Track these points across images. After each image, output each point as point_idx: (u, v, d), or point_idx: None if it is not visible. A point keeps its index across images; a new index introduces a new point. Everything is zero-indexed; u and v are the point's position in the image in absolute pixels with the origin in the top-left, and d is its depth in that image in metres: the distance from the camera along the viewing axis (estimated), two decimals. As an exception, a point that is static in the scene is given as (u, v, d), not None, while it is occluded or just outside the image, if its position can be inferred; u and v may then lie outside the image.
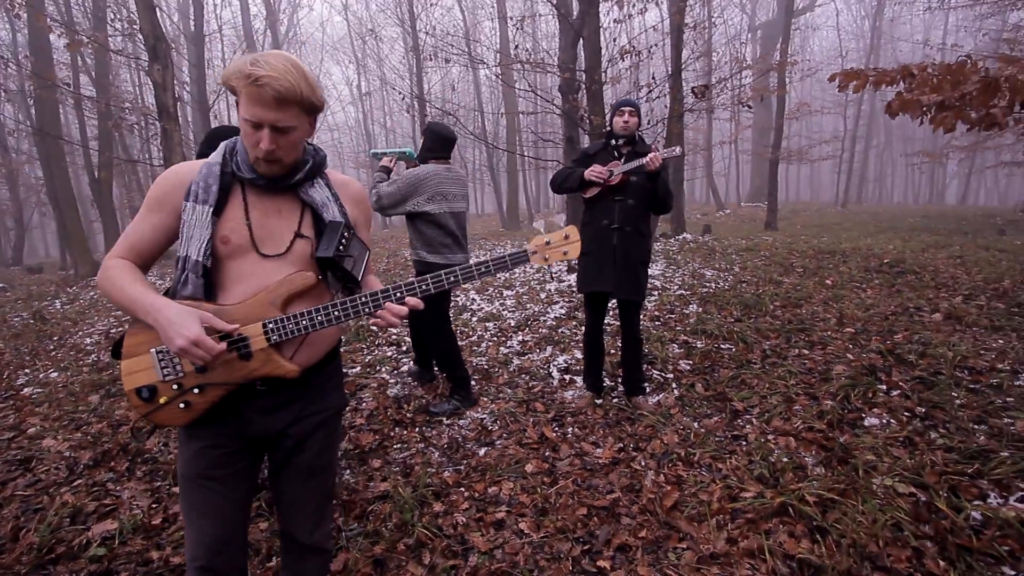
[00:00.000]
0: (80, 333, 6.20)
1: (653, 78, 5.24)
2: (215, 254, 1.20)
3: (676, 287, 5.90)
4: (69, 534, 2.24)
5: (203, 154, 2.20)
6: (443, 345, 3.27)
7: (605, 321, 3.72)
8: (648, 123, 5.76)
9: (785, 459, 2.47)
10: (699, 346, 4.06)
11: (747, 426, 2.89)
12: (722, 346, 4.05)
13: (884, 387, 3.11)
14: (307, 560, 1.40)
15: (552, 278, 6.69)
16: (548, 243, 1.31)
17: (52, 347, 5.70)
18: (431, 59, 7.42)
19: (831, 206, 22.21)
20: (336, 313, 1.22)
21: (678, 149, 2.96)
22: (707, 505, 2.21)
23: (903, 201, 33.89)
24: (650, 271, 6.64)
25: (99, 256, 12.09)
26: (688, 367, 3.73)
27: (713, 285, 5.88)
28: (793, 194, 37.59)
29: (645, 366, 3.69)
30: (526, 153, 15.19)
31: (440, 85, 18.50)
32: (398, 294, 1.24)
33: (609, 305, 3.39)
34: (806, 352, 3.79)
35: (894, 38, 23.67)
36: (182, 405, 1.21)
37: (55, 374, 4.68)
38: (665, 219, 10.07)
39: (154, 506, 2.44)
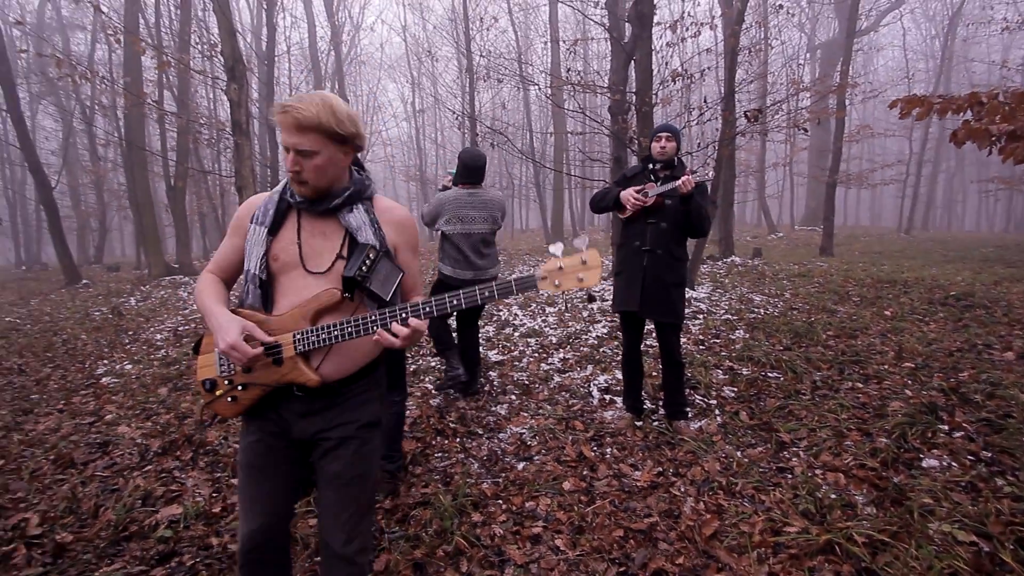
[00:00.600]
0: (152, 329, 6.69)
1: (705, 101, 5.21)
2: (269, 269, 1.38)
3: (722, 311, 5.78)
4: (140, 515, 2.44)
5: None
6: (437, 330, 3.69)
7: (646, 343, 3.72)
8: (698, 145, 5.73)
9: (833, 496, 2.38)
10: (745, 373, 3.97)
11: (793, 459, 2.80)
12: (769, 374, 3.94)
13: (946, 427, 2.95)
14: (337, 570, 1.42)
15: (585, 301, 6.70)
16: (561, 268, 1.26)
17: (127, 341, 6.18)
18: (484, 79, 7.65)
19: (893, 232, 21.09)
20: (349, 329, 1.32)
21: (710, 173, 2.96)
22: (748, 537, 2.16)
23: (975, 229, 31.73)
24: (695, 293, 6.53)
25: (170, 257, 13.00)
26: (732, 394, 3.66)
27: (762, 311, 5.72)
28: (852, 218, 35.93)
29: (687, 390, 3.64)
30: (573, 172, 15.30)
31: (491, 104, 18.97)
32: (403, 315, 1.30)
33: (650, 327, 3.39)
34: (860, 385, 3.64)
35: (967, 59, 22.41)
36: (230, 399, 1.41)
37: (129, 366, 5.08)
38: (713, 240, 9.87)
39: (214, 495, 2.62)
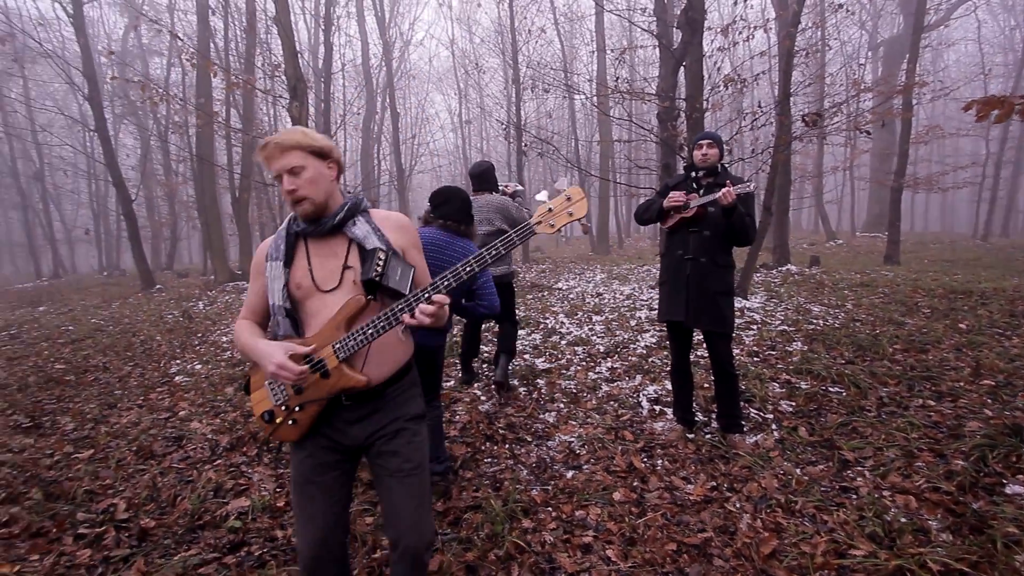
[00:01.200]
0: (218, 332, 7.12)
1: (760, 105, 5.06)
2: (292, 298, 1.49)
3: (778, 322, 5.56)
4: (212, 505, 2.61)
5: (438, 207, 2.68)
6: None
7: (696, 352, 3.65)
8: (752, 151, 5.56)
9: (904, 519, 2.25)
10: (804, 387, 3.81)
11: (858, 478, 2.67)
12: (830, 389, 3.77)
13: (1032, 451, 2.73)
14: (406, 563, 1.50)
15: (583, 232, 6.59)
16: (550, 210, 1.36)
17: (196, 342, 6.61)
18: (531, 90, 7.74)
19: (967, 239, 19.60)
20: (381, 324, 1.41)
21: (751, 185, 2.88)
22: (810, 558, 2.08)
23: (1065, 236, 28.98)
24: (748, 303, 6.32)
25: (233, 264, 13.80)
26: (790, 408, 3.52)
27: (821, 322, 5.47)
28: (920, 224, 33.66)
29: (742, 404, 3.54)
30: (619, 180, 15.16)
31: (535, 113, 19.11)
32: (425, 295, 1.37)
33: (699, 338, 3.33)
34: (932, 403, 3.42)
35: (1053, 50, 20.62)
36: (291, 422, 1.49)
37: (199, 366, 5.43)
38: (766, 248, 9.51)
39: (278, 490, 2.77)
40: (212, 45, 12.05)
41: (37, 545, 2.33)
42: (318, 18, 15.62)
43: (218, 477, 2.89)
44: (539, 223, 1.36)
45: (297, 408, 1.47)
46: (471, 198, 3.53)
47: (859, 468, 2.77)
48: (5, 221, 29.76)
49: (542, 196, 1.42)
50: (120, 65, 16.64)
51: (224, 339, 6.62)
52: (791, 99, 6.21)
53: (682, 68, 5.82)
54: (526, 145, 6.69)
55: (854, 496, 2.52)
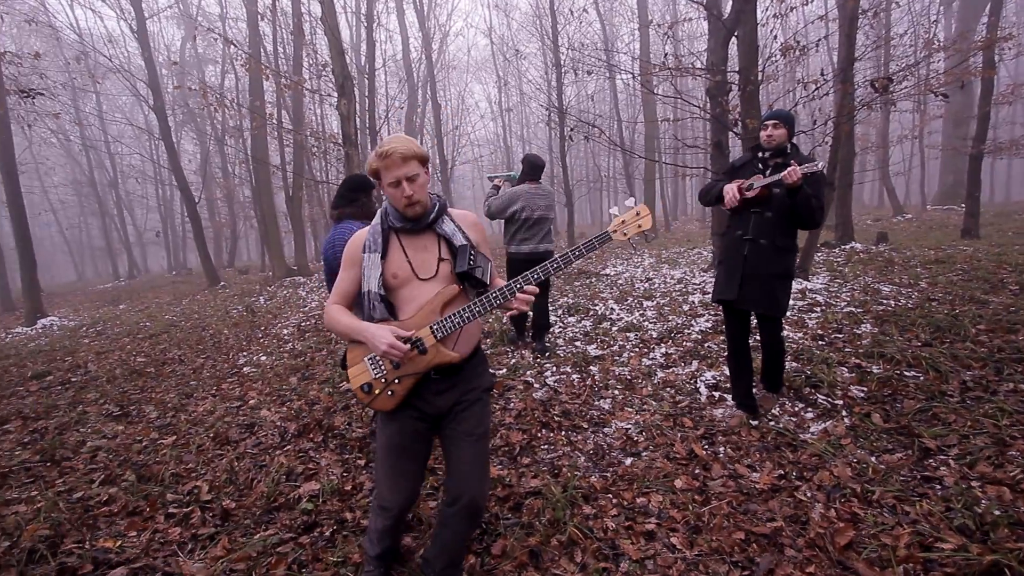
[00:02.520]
0: (279, 324, 7.48)
1: (822, 73, 4.73)
2: (387, 286, 1.69)
3: (843, 303, 5.26)
4: (286, 488, 2.75)
5: (343, 196, 2.75)
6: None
7: (755, 338, 3.52)
8: (814, 123, 5.23)
9: (997, 511, 2.09)
10: (876, 371, 3.59)
11: (942, 468, 2.50)
12: (906, 373, 3.53)
13: None
14: (467, 516, 1.75)
15: (643, 241, 6.40)
16: (624, 222, 1.69)
17: (260, 335, 6.96)
18: (574, 72, 7.59)
19: (1059, 208, 17.78)
20: (478, 308, 1.64)
21: (819, 164, 2.70)
22: (891, 550, 1.97)
23: None
24: (810, 284, 6.01)
25: (289, 260, 14.42)
26: (862, 394, 3.33)
27: (892, 302, 5.13)
28: (1000, 194, 30.79)
29: (808, 389, 3.39)
30: (665, 160, 14.70)
31: (576, 97, 18.76)
32: (518, 286, 1.62)
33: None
34: (1025, 387, 3.14)
35: None
36: (389, 393, 1.71)
37: (264, 357, 5.72)
38: (828, 225, 9.00)
39: (345, 475, 2.89)
40: (263, 50, 12.52)
41: (134, 523, 2.54)
42: (359, 15, 15.91)
43: (289, 462, 3.04)
44: (615, 231, 1.68)
45: (396, 381, 1.69)
46: (531, 187, 4.54)
47: (942, 457, 2.59)
48: (86, 227, 32.32)
49: (615, 210, 1.74)
50: (180, 74, 17.59)
51: (285, 332, 6.95)
52: (854, 65, 5.78)
53: (733, 39, 5.53)
54: (571, 129, 6.56)
55: (938, 486, 2.36)
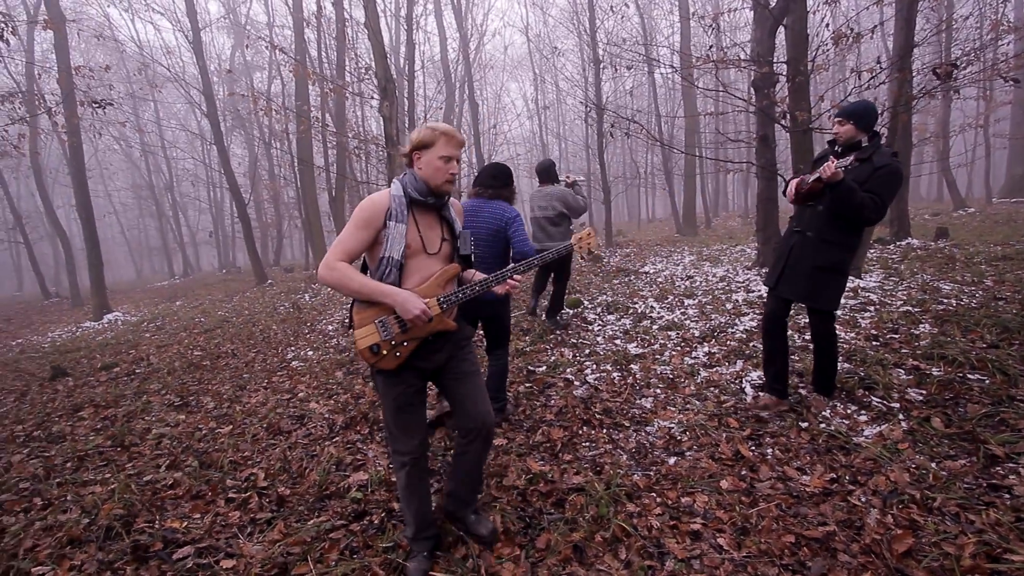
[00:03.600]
0: (324, 321, 7.74)
1: (878, 61, 4.50)
2: (403, 255, 1.87)
3: (899, 302, 5.01)
4: (336, 478, 2.86)
5: (497, 178, 3.28)
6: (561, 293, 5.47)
7: (794, 327, 3.41)
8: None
9: (1074, 523, 1.97)
10: (935, 373, 3.41)
11: (1011, 476, 2.36)
12: (969, 376, 3.34)
13: None
14: (482, 442, 2.08)
15: (591, 259, 6.22)
16: (580, 238, 2.28)
17: (307, 331, 7.23)
18: (615, 68, 7.51)
19: None
20: (478, 288, 1.94)
21: (848, 160, 2.75)
22: (955, 560, 1.89)
23: None
24: (863, 283, 5.76)
25: (331, 259, 14.82)
26: (920, 397, 3.17)
27: (954, 301, 4.85)
28: (1077, 186, 28.43)
29: (862, 391, 3.26)
30: (706, 155, 14.33)
31: (613, 93, 18.52)
32: (508, 274, 1.98)
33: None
34: (1106, 393, 2.92)
35: None
36: (397, 355, 1.91)
37: (311, 352, 5.94)
38: (883, 221, 8.55)
39: (391, 466, 2.98)
40: (307, 55, 12.95)
41: (197, 506, 2.70)
42: (399, 18, 16.21)
43: (338, 452, 3.16)
44: (574, 243, 2.28)
45: (404, 343, 1.90)
46: (540, 188, 5.08)
47: (1011, 465, 2.45)
48: (144, 228, 34.27)
49: (574, 227, 2.48)
50: (231, 81, 18.39)
51: (330, 328, 7.19)
52: (913, 52, 5.48)
53: (782, 29, 5.35)
54: (611, 126, 6.50)
55: (1007, 495, 2.23)
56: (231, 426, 3.87)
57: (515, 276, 1.97)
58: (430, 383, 2.16)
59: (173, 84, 15.44)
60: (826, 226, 2.91)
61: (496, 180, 3.21)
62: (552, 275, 5.54)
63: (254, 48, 20.12)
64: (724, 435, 2.97)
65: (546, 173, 5.04)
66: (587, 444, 3.07)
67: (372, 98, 7.20)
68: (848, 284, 5.69)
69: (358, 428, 3.56)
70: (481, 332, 3.41)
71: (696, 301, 5.95)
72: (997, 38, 7.98)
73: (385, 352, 1.87)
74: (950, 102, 13.77)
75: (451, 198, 2.04)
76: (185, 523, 2.53)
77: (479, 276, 2.05)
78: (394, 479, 2.81)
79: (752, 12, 6.51)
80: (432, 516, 2.17)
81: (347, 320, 2.10)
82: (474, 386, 2.04)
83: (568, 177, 5.11)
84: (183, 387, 5.16)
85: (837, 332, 3.22)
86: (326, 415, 3.86)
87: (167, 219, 27.04)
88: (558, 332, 5.32)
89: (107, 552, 2.33)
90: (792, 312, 3.41)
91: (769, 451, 2.78)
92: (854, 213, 2.77)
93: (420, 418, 2.05)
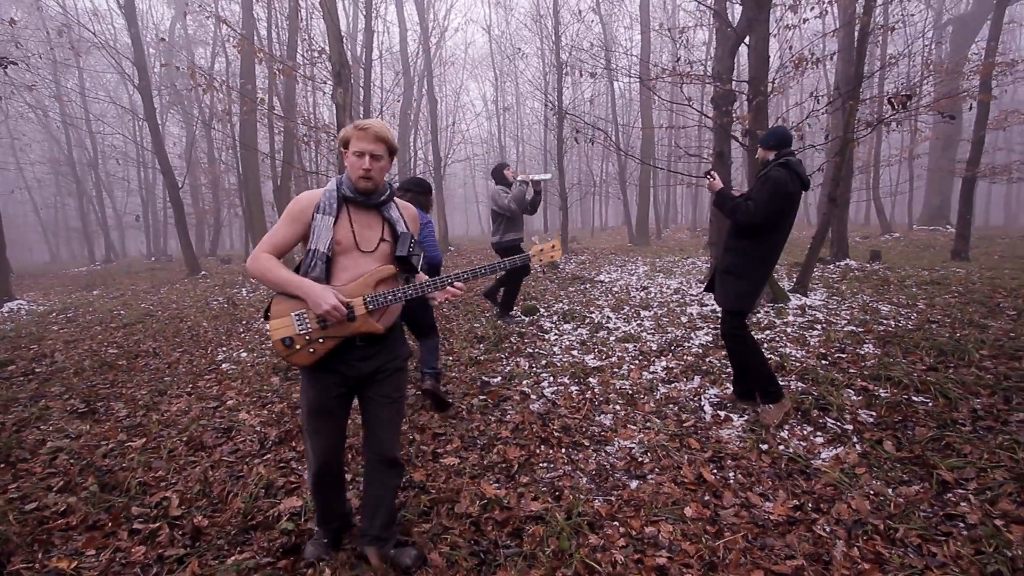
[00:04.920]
0: (261, 320, 7.18)
1: (837, 89, 4.63)
2: (332, 250, 1.80)
3: (844, 322, 5.18)
4: (264, 504, 2.53)
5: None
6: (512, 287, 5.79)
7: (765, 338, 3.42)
8: (826, 138, 5.15)
9: (1030, 557, 1.97)
10: (883, 395, 3.49)
11: (963, 503, 2.38)
12: (914, 398, 3.44)
13: None
14: (386, 470, 2.00)
15: (550, 269, 6.27)
16: (542, 250, 2.07)
17: (242, 330, 6.67)
18: (579, 73, 7.43)
19: (1039, 233, 18.16)
20: (410, 292, 1.87)
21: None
22: (922, 597, 1.84)
23: None
24: (809, 300, 5.95)
25: (273, 252, 13.98)
26: (871, 419, 3.22)
27: (892, 323, 5.06)
28: (980, 218, 31.53)
29: (817, 412, 3.28)
30: (664, 167, 14.63)
31: (572, 100, 18.62)
32: (449, 280, 1.90)
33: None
34: (1039, 419, 3.06)
35: None
36: (311, 350, 1.83)
37: (244, 354, 5.45)
38: (826, 241, 8.97)
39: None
40: (256, 33, 12.13)
41: (93, 539, 2.30)
42: (357, 2, 15.58)
43: (268, 473, 2.82)
44: (535, 255, 2.07)
45: (320, 340, 1.82)
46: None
47: (961, 491, 2.48)
48: (62, 208, 31.28)
49: (535, 239, 2.38)
50: (168, 54, 17.05)
51: (267, 327, 6.66)
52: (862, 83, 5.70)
53: (744, 49, 5.42)
54: (577, 131, 6.41)
55: (962, 524, 2.24)
56: (144, 439, 3.41)
57: (456, 284, 1.89)
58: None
59: (101, 52, 14.08)
60: (728, 235, 3.36)
61: (417, 186, 3.73)
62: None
63: (197, 21, 18.75)
64: (686, 457, 2.87)
65: (496, 173, 5.60)
66: (545, 465, 2.89)
67: (325, 83, 6.76)
68: (796, 302, 5.87)
69: (293, 443, 3.22)
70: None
71: (652, 313, 5.94)
72: (927, 77, 8.56)
73: (299, 347, 1.81)
74: (882, 133, 14.77)
75: (401, 201, 2.02)
76: (75, 562, 2.13)
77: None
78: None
79: (713, 30, 6.61)
80: (342, 511, 2.18)
81: (265, 311, 1.92)
82: (390, 415, 1.97)
83: (522, 175, 5.47)
84: (91, 390, 4.57)
85: (746, 336, 3.32)
86: (257, 427, 3.48)
87: (89, 199, 24.73)
88: (513, 340, 5.14)
89: (-33, 603, 1.91)
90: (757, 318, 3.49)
91: (731, 475, 2.70)
92: (729, 216, 3.23)
93: (334, 427, 1.96)
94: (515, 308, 6.11)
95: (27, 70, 7.73)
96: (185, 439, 3.33)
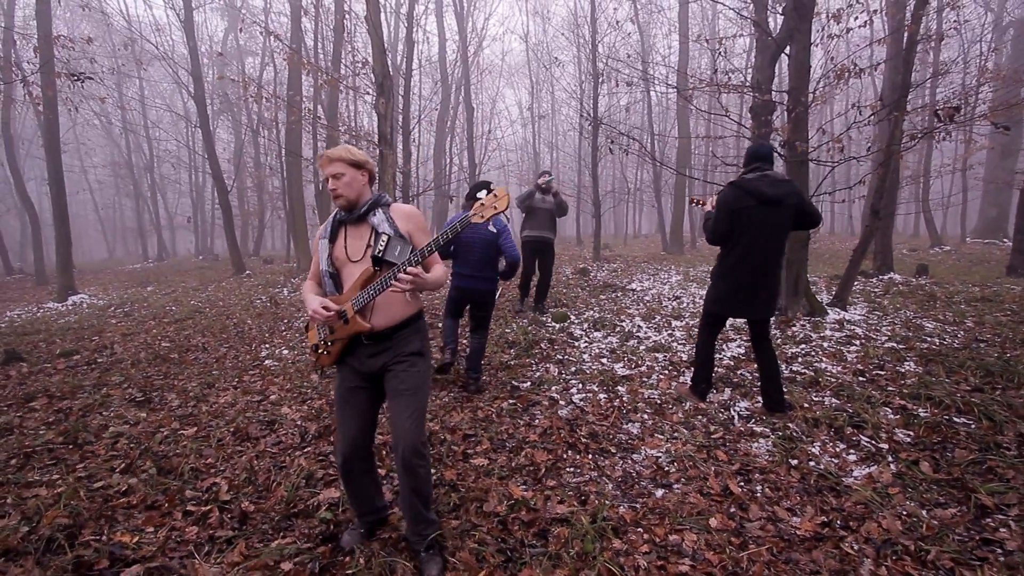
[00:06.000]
0: (303, 318, 7.48)
1: (881, 99, 4.54)
2: (334, 266, 2.11)
3: (884, 338, 5.04)
4: (305, 494, 2.69)
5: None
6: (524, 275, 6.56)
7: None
8: (868, 150, 5.03)
9: (1071, 587, 1.92)
10: (922, 415, 3.40)
11: (1002, 529, 2.32)
12: (955, 419, 3.33)
13: None
14: (404, 472, 2.05)
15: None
16: (483, 204, 1.88)
17: (283, 328, 6.97)
18: (615, 83, 7.47)
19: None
20: (379, 287, 1.97)
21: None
22: (952, 621, 1.81)
23: None
24: (848, 315, 5.80)
25: (313, 254, 14.47)
26: (908, 439, 3.14)
27: (937, 340, 4.89)
28: (1044, 231, 29.58)
29: (850, 429, 3.24)
30: (700, 177, 14.45)
31: (607, 108, 18.62)
32: (403, 267, 1.90)
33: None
34: (1091, 446, 2.93)
35: None
36: (326, 353, 2.17)
37: (286, 351, 5.71)
38: (869, 254, 8.69)
39: (365, 483, 2.81)
40: (303, 45, 12.68)
41: (152, 518, 2.50)
42: (399, 15, 16.04)
43: (308, 465, 2.98)
44: (475, 214, 1.88)
45: (330, 343, 2.14)
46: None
47: (1001, 517, 2.41)
48: (120, 208, 33.18)
49: (480, 194, 2.29)
50: (221, 65, 17.96)
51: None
52: (909, 92, 5.55)
53: (785, 58, 5.37)
54: (611, 141, 6.45)
55: (999, 551, 2.18)
56: (196, 428, 3.65)
57: (407, 269, 1.90)
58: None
59: (160, 63, 14.98)
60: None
61: (469, 190, 3.83)
62: (538, 268, 6.53)
63: (248, 33, 19.67)
64: (713, 468, 2.88)
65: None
66: (572, 469, 2.95)
67: (367, 93, 7.03)
68: (834, 316, 5.73)
69: (331, 438, 3.38)
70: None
71: (683, 323, 5.91)
72: (983, 84, 8.20)
73: (321, 351, 2.18)
74: (932, 144, 14.15)
75: (388, 203, 2.14)
76: (136, 537, 2.33)
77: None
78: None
79: (753, 38, 6.55)
80: (375, 505, 2.32)
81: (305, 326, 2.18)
82: (399, 407, 2.06)
83: (542, 179, 6.36)
84: (147, 381, 4.89)
85: (703, 331, 3.72)
86: (298, 422, 3.67)
87: (144, 200, 26.18)
88: (543, 346, 5.21)
89: (45, 568, 2.12)
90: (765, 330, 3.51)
91: (759, 488, 2.70)
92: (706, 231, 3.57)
93: (351, 418, 2.14)
94: (526, 300, 6.87)
95: (97, 82, 8.34)
96: (232, 430, 3.55)
